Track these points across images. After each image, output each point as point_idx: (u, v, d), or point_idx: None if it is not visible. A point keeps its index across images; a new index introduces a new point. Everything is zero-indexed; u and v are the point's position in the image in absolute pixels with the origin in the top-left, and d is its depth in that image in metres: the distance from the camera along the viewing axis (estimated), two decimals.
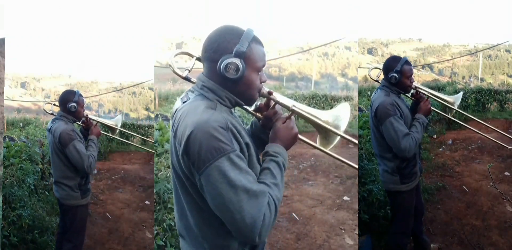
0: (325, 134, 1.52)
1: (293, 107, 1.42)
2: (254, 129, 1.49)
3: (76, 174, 2.71)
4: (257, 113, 1.46)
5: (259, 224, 1.15)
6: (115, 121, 3.09)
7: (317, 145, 1.54)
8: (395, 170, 2.53)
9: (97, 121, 2.94)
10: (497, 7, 3.55)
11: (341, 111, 1.53)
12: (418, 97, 2.62)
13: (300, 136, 1.44)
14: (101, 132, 3.10)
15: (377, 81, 2.73)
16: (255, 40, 1.28)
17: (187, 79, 1.41)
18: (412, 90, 2.60)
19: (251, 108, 1.46)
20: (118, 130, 3.11)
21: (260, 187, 1.19)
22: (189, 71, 1.41)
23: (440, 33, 3.95)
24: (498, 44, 4.06)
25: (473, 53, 4.21)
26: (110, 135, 3.16)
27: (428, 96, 2.61)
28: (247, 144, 1.26)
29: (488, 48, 4.14)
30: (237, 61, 1.23)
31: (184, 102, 1.32)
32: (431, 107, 2.58)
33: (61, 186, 2.71)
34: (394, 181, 2.55)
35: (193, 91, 1.33)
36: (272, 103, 1.43)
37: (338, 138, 1.49)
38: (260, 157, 1.36)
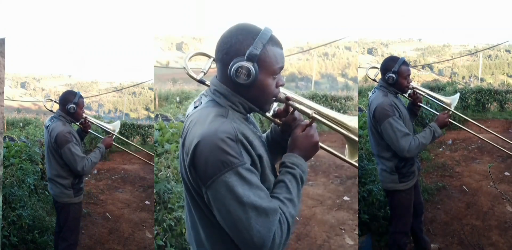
0: (353, 142, 1.38)
1: (314, 115, 1.29)
2: (274, 134, 1.39)
3: (69, 173, 2.75)
4: (276, 119, 1.34)
5: (268, 244, 1.07)
6: (113, 127, 3.09)
7: (343, 156, 1.41)
8: (393, 169, 2.53)
9: (97, 125, 2.98)
10: (497, 7, 3.55)
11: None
12: (415, 97, 2.62)
13: (322, 145, 1.33)
14: (97, 134, 3.13)
15: (374, 80, 2.73)
16: (272, 41, 1.17)
17: (201, 82, 1.31)
18: (409, 91, 2.60)
19: (269, 114, 1.34)
20: (115, 135, 3.11)
21: (271, 203, 1.10)
22: (205, 73, 1.32)
23: (440, 33, 3.95)
24: (498, 44, 4.06)
25: (473, 53, 4.21)
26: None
27: (448, 110, 2.59)
28: (259, 156, 1.16)
29: (488, 48, 4.14)
30: (248, 65, 1.13)
31: (196, 107, 1.23)
32: (450, 120, 2.56)
33: (55, 184, 2.76)
34: (393, 180, 2.55)
35: (206, 96, 1.24)
36: (291, 109, 1.31)
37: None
38: (277, 166, 1.27)
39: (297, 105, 1.29)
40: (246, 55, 1.13)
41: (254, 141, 1.16)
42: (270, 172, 1.21)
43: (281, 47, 1.20)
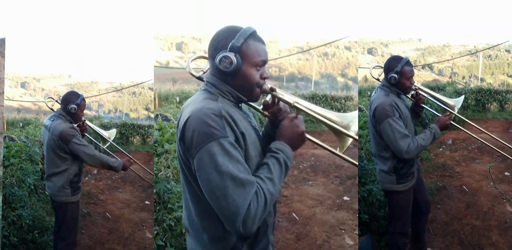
0: (340, 136, 1.45)
1: (295, 104, 1.39)
2: (267, 128, 1.50)
3: (68, 172, 2.77)
4: (264, 111, 1.46)
5: (243, 213, 1.15)
6: (109, 134, 3.14)
7: (329, 147, 1.46)
8: (391, 170, 2.51)
9: (94, 130, 3.01)
10: (497, 7, 3.55)
11: (351, 115, 1.48)
12: (418, 98, 2.59)
13: (309, 136, 1.41)
14: (93, 140, 3.16)
15: (378, 80, 2.70)
16: (253, 37, 1.32)
17: (200, 78, 1.49)
18: (412, 91, 2.57)
19: (260, 107, 1.46)
20: (109, 143, 3.17)
21: (249, 176, 1.19)
22: (204, 72, 1.49)
23: (440, 33, 3.95)
24: (498, 44, 4.06)
25: (473, 53, 4.21)
26: (101, 145, 3.22)
27: (450, 113, 2.58)
28: (242, 133, 1.27)
29: (488, 48, 4.14)
30: (230, 55, 1.27)
31: None
32: (450, 122, 2.54)
33: (53, 182, 2.77)
34: (391, 180, 2.54)
35: (201, 87, 1.41)
36: (276, 100, 1.43)
37: (351, 140, 1.44)
38: None
39: (280, 95, 1.39)
40: (228, 47, 1.28)
41: (239, 120, 1.28)
42: (256, 153, 1.32)
43: (263, 43, 1.34)
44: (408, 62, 2.45)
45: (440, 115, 2.62)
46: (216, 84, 1.34)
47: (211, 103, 1.26)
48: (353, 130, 1.44)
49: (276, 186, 1.25)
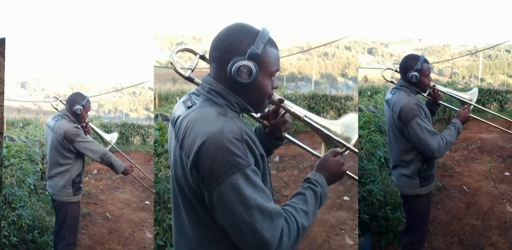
0: (333, 145, 1.41)
1: (305, 118, 1.32)
2: (259, 135, 1.37)
3: (71, 171, 2.78)
4: (264, 121, 1.34)
5: (273, 246, 1.06)
6: (111, 137, 3.16)
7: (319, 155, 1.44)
8: (415, 173, 2.40)
9: (96, 132, 3.05)
10: (497, 7, 3.55)
11: (351, 122, 1.44)
12: (435, 96, 2.53)
13: (304, 146, 1.38)
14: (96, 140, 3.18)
15: (392, 82, 2.64)
16: (270, 42, 1.16)
17: (189, 79, 1.27)
18: (429, 89, 2.52)
19: (257, 115, 1.33)
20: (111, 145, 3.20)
21: (276, 207, 1.09)
22: (192, 70, 1.27)
23: (440, 33, 3.96)
24: (498, 44, 4.07)
25: (473, 53, 4.21)
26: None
27: (469, 104, 2.55)
28: (262, 155, 1.14)
29: (488, 48, 4.14)
30: (250, 64, 1.10)
31: (189, 107, 1.16)
32: (470, 115, 2.49)
33: (55, 182, 2.78)
34: (414, 184, 2.41)
35: (199, 95, 1.19)
36: (282, 111, 1.31)
37: (345, 150, 1.38)
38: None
39: (288, 107, 1.29)
40: (247, 54, 1.11)
41: (256, 140, 1.15)
42: (267, 170, 1.21)
43: (277, 49, 1.19)
44: (425, 60, 2.39)
45: (459, 109, 2.56)
46: (223, 93, 1.16)
47: (228, 123, 1.08)
48: (353, 142, 1.41)
49: (309, 220, 1.15)
